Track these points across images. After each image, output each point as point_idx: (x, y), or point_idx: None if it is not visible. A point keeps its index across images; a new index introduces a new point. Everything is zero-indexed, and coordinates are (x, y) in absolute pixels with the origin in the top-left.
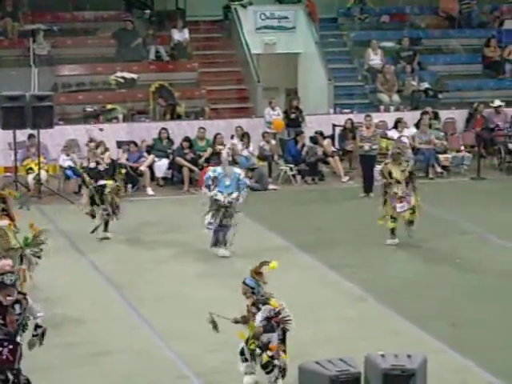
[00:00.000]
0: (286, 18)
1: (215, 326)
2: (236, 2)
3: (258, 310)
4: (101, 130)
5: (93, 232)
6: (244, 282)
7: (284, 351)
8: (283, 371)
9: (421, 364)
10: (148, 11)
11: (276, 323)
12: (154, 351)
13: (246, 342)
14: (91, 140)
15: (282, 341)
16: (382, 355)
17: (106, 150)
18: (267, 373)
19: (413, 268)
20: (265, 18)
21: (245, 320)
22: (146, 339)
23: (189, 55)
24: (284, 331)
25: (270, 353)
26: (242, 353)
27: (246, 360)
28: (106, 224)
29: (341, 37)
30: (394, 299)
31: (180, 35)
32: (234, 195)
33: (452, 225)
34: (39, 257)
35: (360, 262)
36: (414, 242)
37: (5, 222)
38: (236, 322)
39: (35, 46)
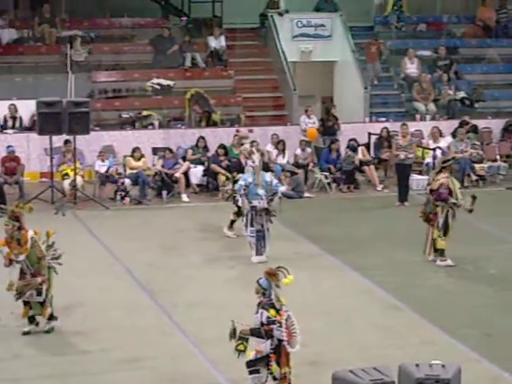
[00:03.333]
0: (322, 25)
1: (234, 335)
2: (273, 10)
3: (257, 312)
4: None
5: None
6: (258, 282)
7: (278, 363)
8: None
9: (455, 374)
10: (185, 18)
11: (265, 331)
12: (187, 357)
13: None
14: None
15: (275, 351)
16: (417, 365)
17: (142, 156)
18: (249, 373)
19: (447, 277)
20: (301, 26)
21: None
22: (178, 345)
23: (225, 62)
24: (280, 343)
25: (254, 353)
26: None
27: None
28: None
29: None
30: (428, 308)
31: (216, 42)
32: (268, 199)
33: (487, 234)
34: (58, 257)
35: (394, 270)
36: (448, 252)
37: (31, 232)
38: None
39: (72, 53)
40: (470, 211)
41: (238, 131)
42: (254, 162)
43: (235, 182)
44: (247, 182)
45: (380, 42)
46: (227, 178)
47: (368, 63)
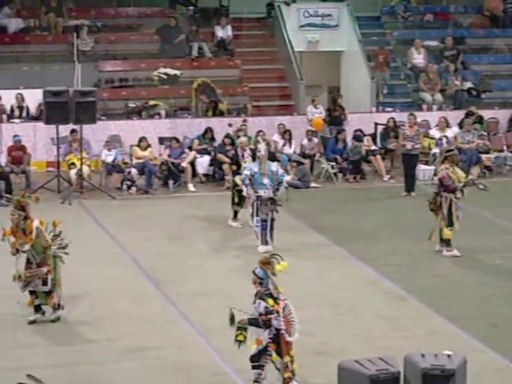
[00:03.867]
0: (329, 15)
1: (232, 321)
2: (280, 0)
3: (255, 302)
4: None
5: None
6: (254, 272)
7: (279, 353)
8: (292, 373)
9: (461, 364)
10: (191, 8)
11: (263, 321)
12: (193, 347)
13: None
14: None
15: (274, 341)
16: (422, 355)
17: (149, 145)
18: (252, 367)
19: (453, 267)
20: (308, 16)
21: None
22: (184, 335)
23: (232, 52)
24: (278, 332)
25: (257, 345)
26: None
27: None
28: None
29: (384, 35)
30: (434, 299)
31: (223, 32)
32: (273, 188)
33: (493, 225)
34: (64, 247)
35: (401, 260)
36: (454, 242)
37: (37, 222)
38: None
39: (79, 42)
40: (485, 189)
41: (245, 120)
42: (259, 151)
43: (234, 173)
44: (253, 172)
45: (387, 51)
46: (229, 167)
47: (376, 71)
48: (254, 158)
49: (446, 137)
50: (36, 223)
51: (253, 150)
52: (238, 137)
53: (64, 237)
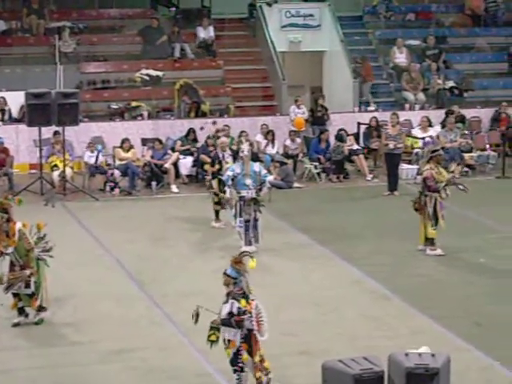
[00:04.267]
0: (311, 15)
1: (197, 320)
2: (261, 0)
3: (227, 302)
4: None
5: None
6: (225, 273)
7: (250, 353)
8: (265, 372)
9: (444, 363)
10: (173, 9)
11: (236, 322)
12: (177, 348)
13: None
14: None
15: (245, 340)
16: (406, 354)
17: (131, 147)
18: (233, 371)
19: (437, 266)
20: (290, 16)
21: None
22: (169, 336)
23: (214, 53)
24: (250, 332)
25: (232, 348)
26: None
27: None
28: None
29: (366, 35)
30: (417, 298)
31: (205, 33)
32: (256, 189)
33: (477, 224)
34: (48, 250)
35: (384, 260)
36: (438, 241)
37: (19, 225)
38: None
39: (61, 44)
40: (464, 189)
41: (214, 122)
42: (242, 151)
43: (214, 175)
44: (235, 173)
45: (369, 63)
46: (209, 167)
47: (365, 81)
48: (235, 158)
49: (431, 137)
50: (19, 225)
51: (235, 150)
52: (218, 137)
53: (48, 239)
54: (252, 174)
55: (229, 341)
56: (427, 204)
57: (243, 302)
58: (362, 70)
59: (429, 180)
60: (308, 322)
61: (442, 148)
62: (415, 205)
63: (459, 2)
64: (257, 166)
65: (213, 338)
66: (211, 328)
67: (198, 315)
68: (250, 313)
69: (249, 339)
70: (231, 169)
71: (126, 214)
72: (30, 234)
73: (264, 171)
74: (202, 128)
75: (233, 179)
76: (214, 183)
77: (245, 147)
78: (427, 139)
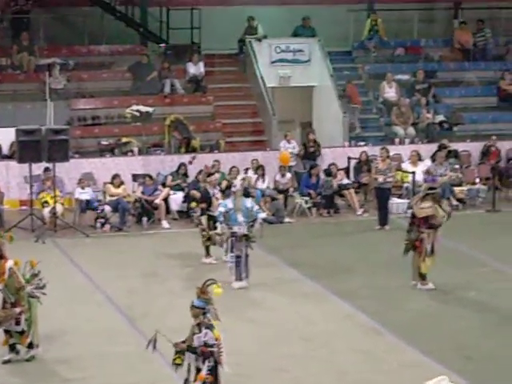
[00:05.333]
0: (300, 51)
1: (154, 346)
2: (251, 36)
3: (200, 331)
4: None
5: None
6: (193, 305)
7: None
8: None
9: None
10: (163, 45)
11: (202, 352)
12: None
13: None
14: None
15: (212, 373)
16: None
17: (122, 183)
18: None
19: (428, 300)
20: (280, 51)
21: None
22: (159, 372)
23: (204, 89)
24: (216, 364)
25: (199, 381)
26: None
27: None
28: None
29: (356, 70)
30: (408, 332)
31: (195, 69)
32: (250, 224)
33: (467, 257)
34: (42, 287)
35: (375, 294)
36: (429, 275)
37: (11, 262)
38: (176, 345)
39: (51, 80)
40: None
41: (193, 157)
42: (235, 186)
43: (202, 212)
44: (227, 208)
45: (353, 86)
46: (197, 205)
47: (350, 106)
48: (224, 194)
49: (429, 173)
50: (9, 264)
51: (227, 186)
52: (210, 174)
53: (42, 277)
54: (244, 210)
55: (198, 370)
56: (424, 241)
57: (216, 333)
58: (347, 93)
59: (432, 218)
60: (298, 357)
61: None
62: (411, 243)
63: (448, 36)
64: (249, 202)
65: (178, 361)
66: (177, 352)
67: (155, 341)
68: (220, 342)
69: (215, 371)
70: (223, 204)
71: (117, 250)
72: (24, 270)
73: (256, 207)
74: (190, 162)
75: (225, 215)
76: (203, 220)
77: (237, 182)
78: (426, 176)
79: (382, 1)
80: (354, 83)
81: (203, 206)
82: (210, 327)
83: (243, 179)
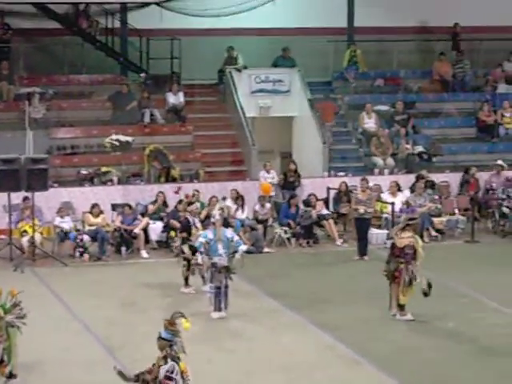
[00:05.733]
0: (280, 81)
1: (125, 378)
2: (231, 66)
3: (166, 363)
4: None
5: None
6: (160, 337)
7: None
8: None
9: None
10: (143, 75)
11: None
12: None
13: None
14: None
15: None
16: None
17: (101, 212)
18: None
19: (406, 331)
20: (259, 82)
21: (139, 378)
22: None
23: (184, 118)
24: None
25: None
26: None
27: None
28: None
29: (335, 100)
30: (388, 363)
31: (175, 98)
32: (230, 255)
33: (446, 288)
34: (22, 317)
35: (354, 325)
36: (409, 306)
37: None
38: (128, 379)
39: (31, 109)
40: (425, 295)
41: (179, 188)
42: (214, 217)
43: (183, 241)
44: (208, 239)
45: (329, 103)
46: (175, 234)
47: (323, 123)
48: (203, 222)
49: (407, 204)
50: None
51: (206, 216)
52: (191, 203)
53: (23, 306)
54: (224, 240)
55: None
56: (403, 272)
57: (182, 365)
58: (321, 109)
59: (408, 247)
60: None
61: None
62: (390, 274)
63: (427, 67)
64: (229, 233)
65: None
66: (142, 380)
67: (121, 373)
68: (187, 375)
69: None
70: (204, 235)
71: (96, 279)
72: (5, 300)
73: (236, 238)
74: (176, 192)
75: (205, 245)
76: (186, 248)
77: (215, 212)
78: (403, 207)
79: (362, 32)
80: (331, 101)
81: (183, 235)
82: (176, 360)
83: (221, 209)
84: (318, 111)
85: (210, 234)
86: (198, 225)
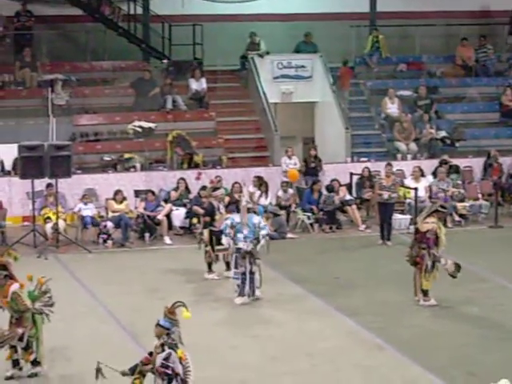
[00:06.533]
0: (303, 67)
1: (97, 376)
2: (253, 52)
3: (163, 351)
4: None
5: None
6: (159, 324)
7: None
8: None
9: None
10: (166, 61)
11: (157, 372)
12: None
13: None
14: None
15: None
16: None
17: (124, 199)
18: None
19: (430, 316)
20: (282, 67)
21: (135, 371)
22: None
23: (206, 104)
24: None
25: None
26: None
27: None
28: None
29: (358, 86)
30: (411, 348)
31: (197, 85)
32: (255, 241)
33: (470, 273)
34: (51, 305)
35: (378, 310)
36: (432, 291)
37: (16, 286)
38: (123, 374)
39: (53, 96)
40: (453, 277)
41: (200, 174)
42: (241, 201)
43: (205, 225)
44: (234, 223)
45: (348, 69)
46: (198, 221)
47: (340, 91)
48: (227, 207)
49: (443, 190)
50: (13, 288)
51: (230, 201)
52: (216, 189)
53: (51, 295)
54: (251, 226)
55: None
56: (425, 257)
57: (180, 352)
58: (340, 76)
59: (430, 232)
60: (302, 373)
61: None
62: (412, 259)
63: (450, 52)
64: (256, 218)
65: (136, 382)
66: (139, 372)
67: (98, 371)
68: (186, 362)
69: None
70: (231, 218)
71: (119, 265)
72: (34, 287)
73: (263, 223)
74: (198, 178)
75: (231, 228)
76: (205, 233)
77: (243, 199)
78: (440, 194)
79: (384, 17)
80: (349, 67)
81: (206, 219)
82: (173, 347)
83: (247, 194)
84: (338, 79)
85: (236, 218)
86: (223, 210)
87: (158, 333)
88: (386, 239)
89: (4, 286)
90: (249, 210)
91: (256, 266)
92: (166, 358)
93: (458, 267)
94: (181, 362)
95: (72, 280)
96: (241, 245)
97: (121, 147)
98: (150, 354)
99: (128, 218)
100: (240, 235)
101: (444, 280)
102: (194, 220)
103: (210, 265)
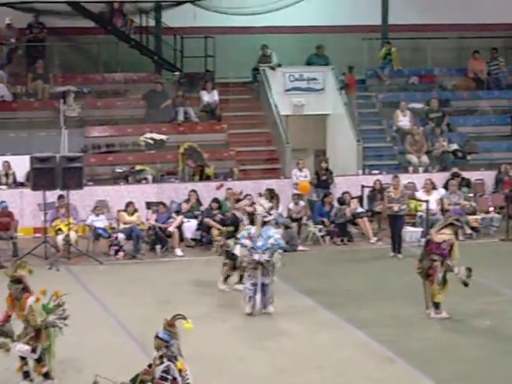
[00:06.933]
0: (314, 79)
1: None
2: (265, 64)
3: (162, 363)
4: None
5: None
6: (157, 337)
7: None
8: None
9: None
10: (177, 73)
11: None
12: None
13: None
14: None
15: None
16: None
17: (136, 210)
18: None
19: (442, 329)
20: (293, 80)
21: (136, 381)
22: None
23: (218, 117)
24: None
25: None
26: None
27: None
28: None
29: (369, 98)
30: (422, 361)
31: (209, 97)
32: (269, 253)
33: (482, 286)
34: (65, 318)
35: (389, 322)
36: (444, 304)
37: (32, 299)
38: None
39: (66, 108)
40: (466, 285)
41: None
42: (256, 213)
43: (229, 236)
44: (251, 234)
45: (353, 75)
46: (220, 233)
47: (348, 96)
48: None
49: (457, 204)
50: (30, 301)
51: (251, 213)
52: (239, 200)
53: (66, 308)
54: (264, 237)
55: None
56: (437, 269)
57: (179, 363)
58: (346, 81)
59: (446, 243)
60: None
61: (447, 210)
62: (424, 271)
63: (462, 65)
64: (272, 231)
65: None
66: (140, 381)
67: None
68: (186, 373)
69: None
70: (248, 229)
71: (131, 277)
72: (49, 300)
73: (278, 236)
74: (218, 188)
75: (248, 238)
76: (231, 242)
77: (258, 213)
78: (454, 207)
79: (396, 29)
80: (354, 74)
81: (231, 229)
82: (172, 359)
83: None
84: (345, 86)
85: (253, 229)
86: (246, 222)
87: (157, 345)
88: (397, 252)
89: (21, 300)
90: (265, 223)
91: (269, 278)
92: (166, 371)
93: (469, 271)
94: (180, 374)
95: (83, 291)
96: (256, 256)
97: (132, 159)
98: (150, 365)
99: (139, 230)
100: (254, 246)
101: (456, 293)
102: (216, 232)
103: (227, 277)
